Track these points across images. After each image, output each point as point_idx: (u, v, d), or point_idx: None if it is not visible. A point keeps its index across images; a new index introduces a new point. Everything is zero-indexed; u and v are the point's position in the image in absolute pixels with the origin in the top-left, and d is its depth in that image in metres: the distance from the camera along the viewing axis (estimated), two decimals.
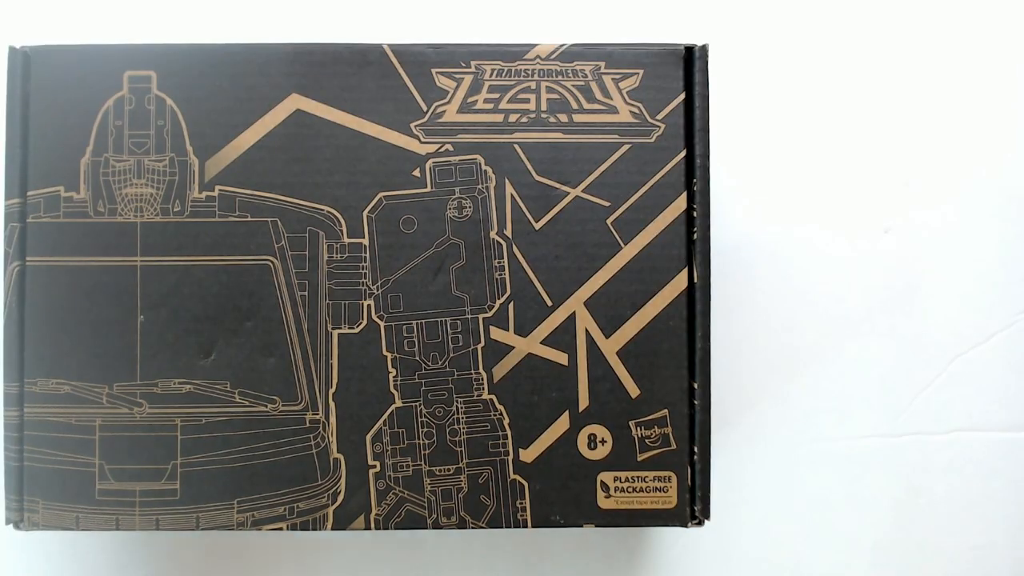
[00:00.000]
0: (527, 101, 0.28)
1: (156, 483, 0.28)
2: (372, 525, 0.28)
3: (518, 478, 0.28)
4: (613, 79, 0.28)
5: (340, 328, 0.28)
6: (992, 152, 0.38)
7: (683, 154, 0.28)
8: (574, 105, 0.28)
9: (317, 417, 0.28)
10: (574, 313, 0.28)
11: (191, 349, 0.28)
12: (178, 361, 0.28)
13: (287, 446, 0.28)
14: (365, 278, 0.28)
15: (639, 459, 0.28)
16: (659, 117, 0.28)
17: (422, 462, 0.28)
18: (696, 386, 0.28)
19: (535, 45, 0.29)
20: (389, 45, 0.28)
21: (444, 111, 0.28)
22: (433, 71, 0.28)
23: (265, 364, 0.28)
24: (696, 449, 0.28)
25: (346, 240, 0.28)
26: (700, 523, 0.28)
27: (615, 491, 0.28)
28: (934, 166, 0.38)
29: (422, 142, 0.28)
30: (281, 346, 0.28)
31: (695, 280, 0.28)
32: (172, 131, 0.28)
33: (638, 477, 0.28)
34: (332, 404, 0.28)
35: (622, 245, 0.28)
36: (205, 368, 0.28)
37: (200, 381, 0.28)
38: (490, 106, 0.28)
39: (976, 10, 0.38)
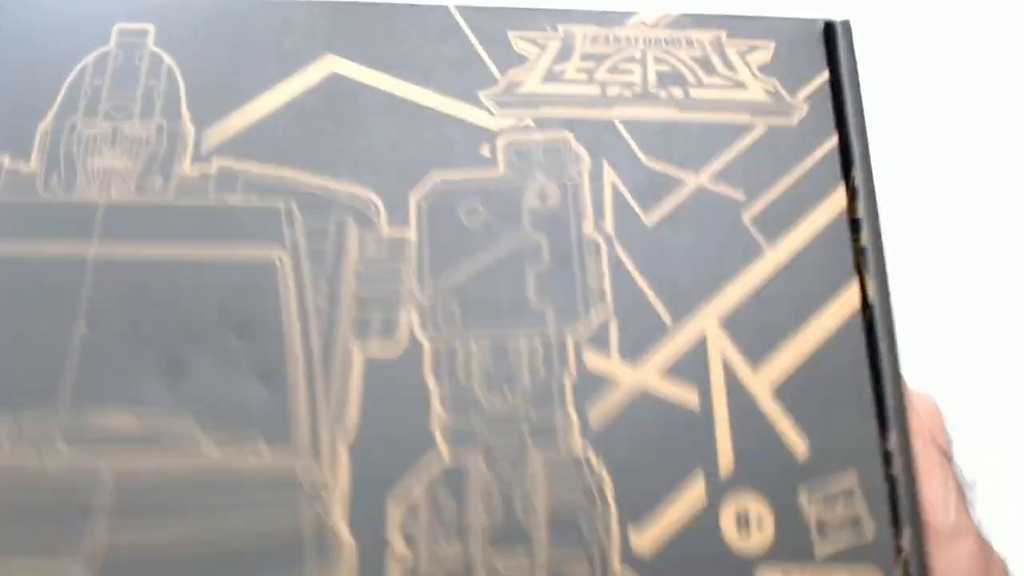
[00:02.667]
0: (630, 72, 0.22)
1: (45, 568, 0.17)
2: None
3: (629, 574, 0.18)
4: (738, 51, 0.22)
5: (367, 346, 0.19)
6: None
7: (834, 140, 0.21)
8: (691, 79, 0.22)
9: (318, 474, 0.18)
10: (705, 335, 0.20)
11: (147, 371, 0.19)
12: (126, 386, 0.19)
13: (268, 514, 0.18)
14: (408, 283, 0.20)
15: (817, 552, 0.18)
16: (799, 97, 0.22)
17: (478, 547, 0.18)
18: (892, 442, 0.19)
19: (635, 13, 0.23)
20: (456, 6, 0.23)
21: (523, 80, 0.22)
22: (510, 34, 0.22)
23: (251, 394, 0.19)
24: (905, 536, 0.18)
25: (385, 232, 0.20)
26: None
27: None
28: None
29: (493, 115, 0.22)
30: (279, 371, 0.19)
31: (869, 298, 0.20)
32: (166, 93, 0.22)
33: None
34: (344, 456, 0.18)
35: (765, 249, 0.20)
36: (161, 396, 0.19)
37: (150, 413, 0.19)
38: (583, 76, 0.22)
39: None
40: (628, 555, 0.18)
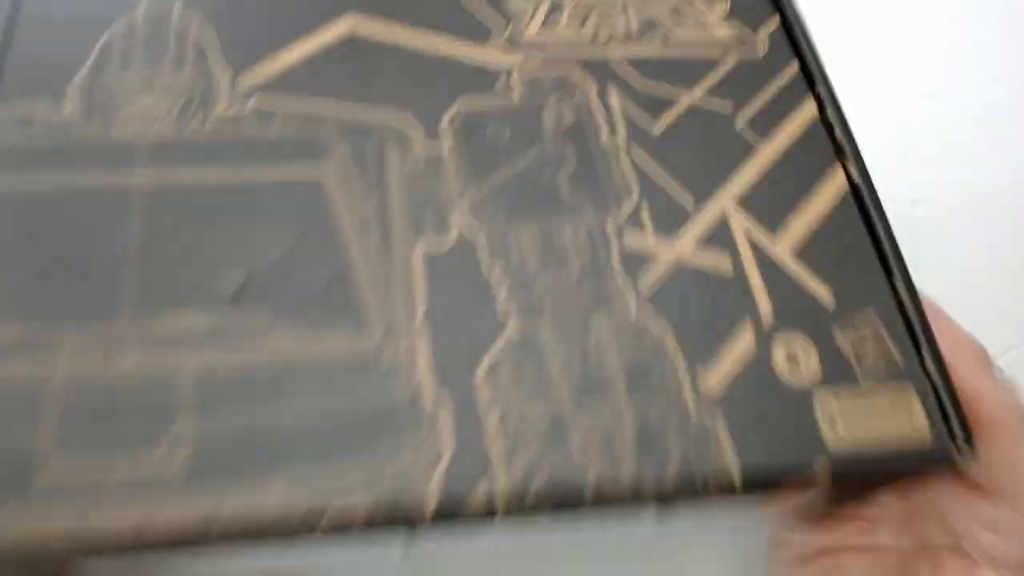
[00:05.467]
0: (615, 21, 0.25)
1: (145, 459, 0.17)
2: (501, 504, 0.17)
3: (704, 423, 0.19)
4: (703, 3, 0.26)
5: (423, 240, 0.20)
6: (1003, 170, 0.37)
7: (796, 65, 0.25)
8: (667, 25, 0.25)
9: (399, 355, 0.19)
10: (726, 213, 0.22)
11: (212, 279, 0.19)
12: (191, 293, 0.19)
13: (355, 395, 0.18)
14: (450, 188, 0.21)
15: (860, 377, 0.20)
16: (760, 36, 0.25)
17: (562, 403, 0.18)
18: (898, 284, 0.21)
19: None
20: None
21: (524, 30, 0.24)
22: None
23: (318, 295, 0.19)
24: (927, 356, 0.20)
25: (421, 151, 0.22)
26: (968, 455, 0.19)
27: (841, 418, 0.19)
28: (943, 184, 0.37)
29: (503, 53, 0.24)
30: (341, 268, 0.20)
31: (854, 180, 0.23)
32: (196, 48, 0.23)
33: (867, 396, 0.19)
34: (420, 336, 0.19)
35: (758, 146, 0.23)
36: (229, 298, 0.19)
37: (223, 316, 0.19)
38: (575, 25, 0.25)
39: None
40: (699, 394, 0.19)
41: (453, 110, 0.22)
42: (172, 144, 0.21)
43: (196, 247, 0.19)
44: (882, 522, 0.24)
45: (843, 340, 0.20)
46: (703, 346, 0.20)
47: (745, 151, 0.23)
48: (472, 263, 0.20)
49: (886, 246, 0.22)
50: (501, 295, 0.20)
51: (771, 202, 0.22)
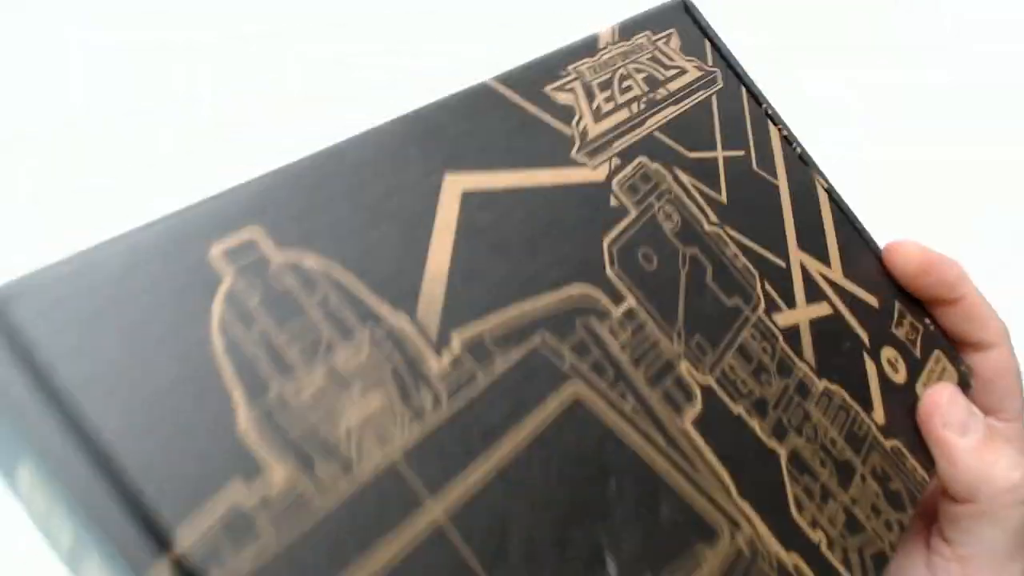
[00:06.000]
0: (632, 88, 0.24)
1: None
2: None
3: (893, 443, 0.24)
4: (664, 44, 0.26)
5: (685, 414, 0.20)
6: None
7: (744, 90, 0.28)
8: (660, 77, 0.25)
9: (746, 533, 0.19)
10: (800, 261, 0.25)
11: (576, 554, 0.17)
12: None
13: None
14: (662, 341, 0.20)
15: (917, 356, 0.26)
16: (709, 65, 0.27)
17: (840, 491, 0.22)
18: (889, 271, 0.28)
19: (596, 34, 0.25)
20: (492, 79, 0.21)
21: (586, 127, 0.22)
22: (547, 89, 0.22)
23: (657, 520, 0.18)
24: (925, 323, 0.28)
25: (614, 311, 0.20)
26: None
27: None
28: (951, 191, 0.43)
29: (593, 168, 0.22)
30: (659, 485, 0.19)
31: (826, 187, 0.28)
32: (342, 299, 0.16)
33: (931, 373, 0.26)
34: (745, 505, 0.20)
35: (777, 183, 0.26)
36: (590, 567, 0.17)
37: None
38: (611, 105, 0.24)
39: None
40: (883, 430, 0.24)
41: (607, 257, 0.21)
42: (420, 447, 0.16)
43: (542, 534, 0.16)
44: None
45: (899, 333, 0.26)
46: (861, 392, 0.24)
47: (773, 192, 0.26)
48: (721, 407, 0.21)
49: (867, 237, 0.28)
50: (756, 427, 0.21)
51: (812, 234, 0.26)
